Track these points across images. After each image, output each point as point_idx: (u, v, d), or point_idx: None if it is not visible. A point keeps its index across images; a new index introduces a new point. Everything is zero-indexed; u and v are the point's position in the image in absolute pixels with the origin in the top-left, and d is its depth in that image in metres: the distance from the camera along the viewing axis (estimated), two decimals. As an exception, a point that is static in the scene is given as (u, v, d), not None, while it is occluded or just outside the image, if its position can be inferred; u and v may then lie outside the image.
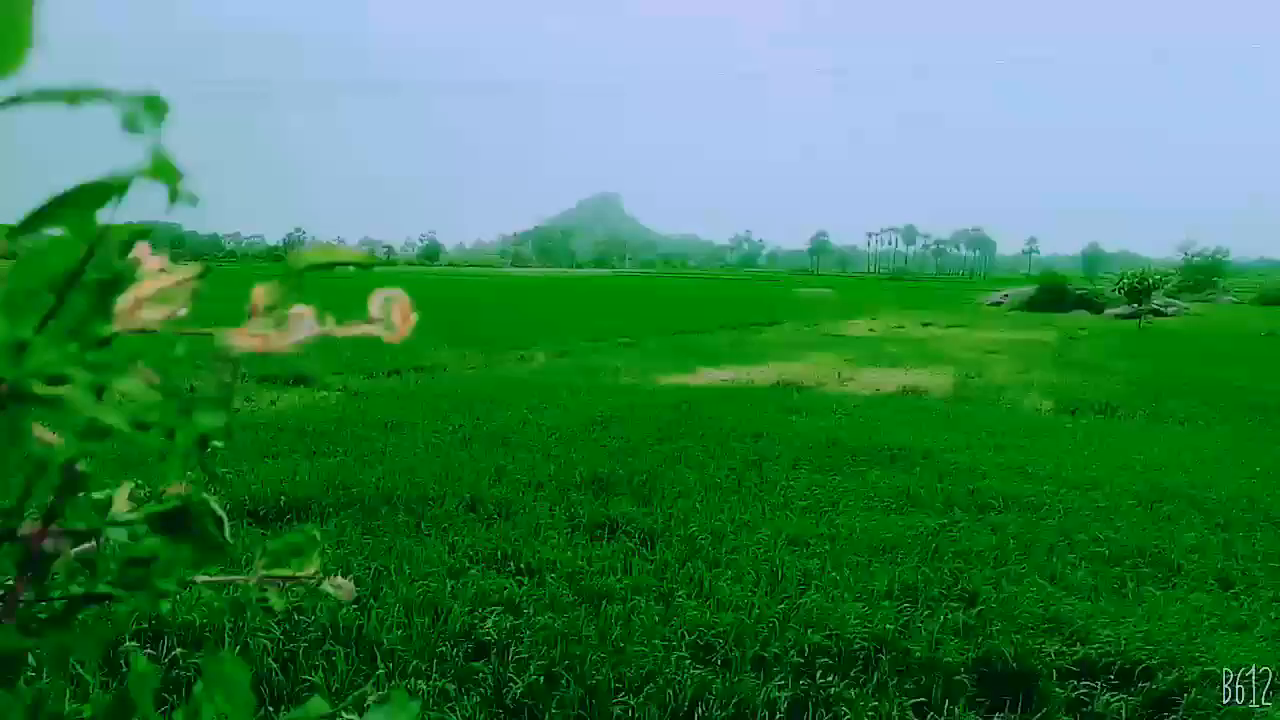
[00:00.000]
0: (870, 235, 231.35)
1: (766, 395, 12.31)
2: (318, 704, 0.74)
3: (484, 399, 10.87)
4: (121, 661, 3.66)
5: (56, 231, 0.50)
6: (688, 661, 4.11)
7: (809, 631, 4.40)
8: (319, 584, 0.72)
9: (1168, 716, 3.85)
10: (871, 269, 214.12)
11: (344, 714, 0.76)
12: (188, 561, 0.62)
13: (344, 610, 4.37)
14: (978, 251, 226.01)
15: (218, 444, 0.56)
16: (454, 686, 3.84)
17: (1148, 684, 4.03)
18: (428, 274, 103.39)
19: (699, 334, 24.25)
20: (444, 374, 13.85)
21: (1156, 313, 37.52)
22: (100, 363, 0.51)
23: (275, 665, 3.87)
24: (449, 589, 4.73)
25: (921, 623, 4.56)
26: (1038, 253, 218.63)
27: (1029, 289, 49.35)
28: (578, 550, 5.47)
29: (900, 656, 4.23)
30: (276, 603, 0.72)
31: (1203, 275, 79.43)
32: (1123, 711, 3.85)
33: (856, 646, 4.30)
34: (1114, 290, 40.81)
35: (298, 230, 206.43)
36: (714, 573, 5.16)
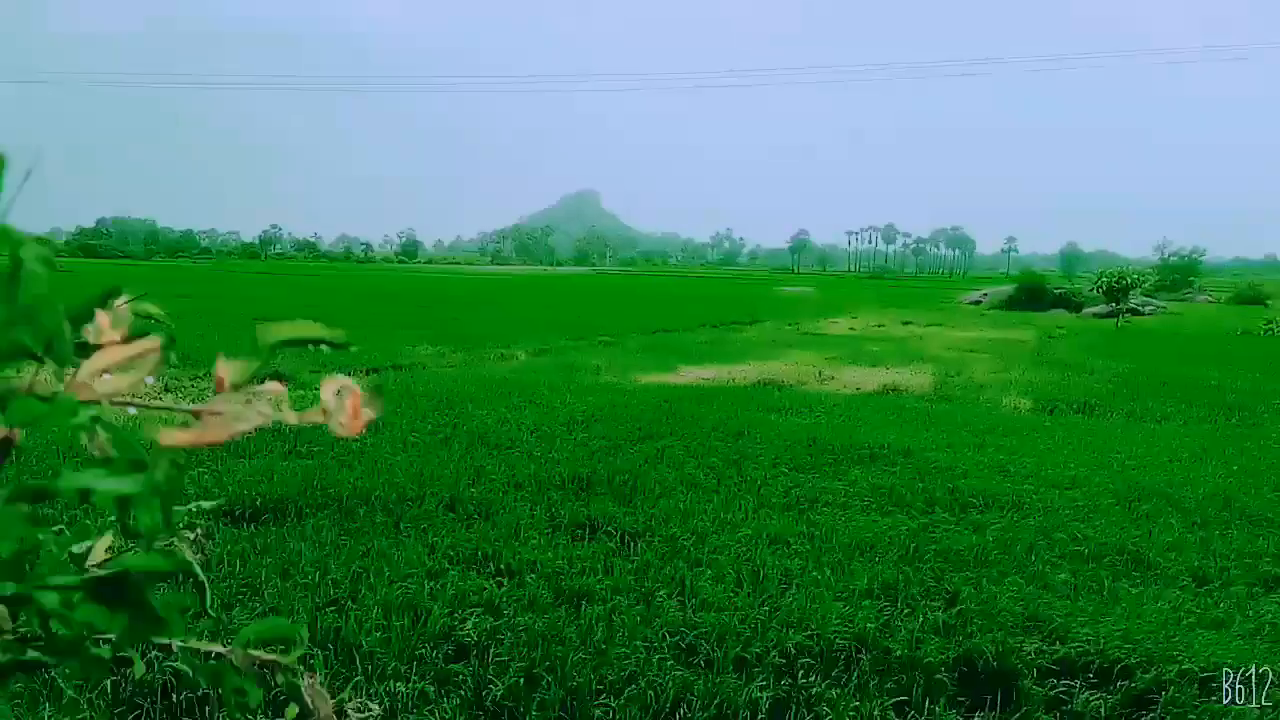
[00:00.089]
0: (850, 234, 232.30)
1: (747, 394, 12.31)
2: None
3: (463, 397, 10.80)
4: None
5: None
6: (669, 663, 4.09)
7: (790, 631, 4.39)
8: (298, 675, 0.72)
9: (1146, 715, 3.86)
10: (852, 268, 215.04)
11: None
12: (122, 633, 0.59)
13: (321, 611, 4.32)
14: (957, 250, 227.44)
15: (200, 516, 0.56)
16: (433, 688, 3.80)
17: (1126, 682, 4.05)
18: (407, 271, 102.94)
19: (680, 332, 24.25)
20: (423, 372, 13.76)
21: (1134, 312, 37.87)
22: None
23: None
24: (428, 590, 4.69)
25: (902, 622, 4.57)
26: (1016, 252, 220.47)
27: (1008, 288, 49.70)
28: (558, 550, 5.44)
29: (881, 656, 4.23)
30: (253, 695, 0.71)
31: (1179, 275, 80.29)
32: (1101, 710, 3.87)
33: (838, 646, 4.30)
34: (1092, 289, 41.18)
35: (274, 227, 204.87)
36: (695, 573, 5.15)
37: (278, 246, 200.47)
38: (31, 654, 0.59)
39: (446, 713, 3.66)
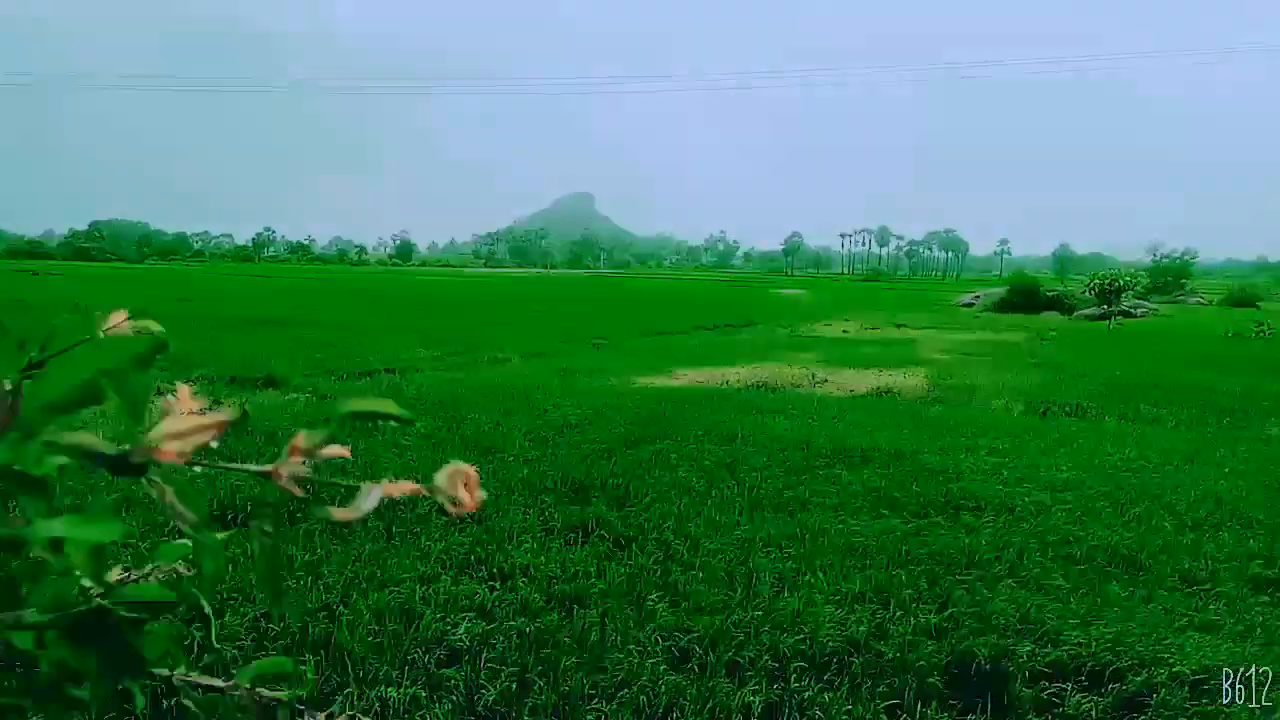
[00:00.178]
0: (844, 236, 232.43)
1: (741, 397, 12.32)
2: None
3: (456, 401, 10.79)
4: None
5: None
6: (663, 667, 4.09)
7: (783, 635, 4.39)
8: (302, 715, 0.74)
9: (1137, 718, 3.87)
10: (845, 270, 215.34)
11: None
12: (94, 674, 0.59)
13: (313, 617, 4.31)
14: (950, 253, 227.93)
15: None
16: (425, 693, 3.80)
17: (1118, 685, 4.06)
18: (400, 274, 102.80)
19: (674, 335, 24.26)
20: (416, 375, 13.74)
21: (1126, 314, 38.00)
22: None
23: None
24: (420, 595, 4.68)
25: (894, 625, 4.57)
26: (1009, 254, 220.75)
27: (1000, 290, 49.77)
28: (551, 554, 5.43)
29: (873, 659, 4.24)
30: None
31: (1171, 277, 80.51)
32: (1093, 712, 3.87)
33: (830, 649, 4.30)
34: (1084, 291, 41.32)
35: (267, 230, 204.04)
36: (689, 576, 5.15)
37: (271, 249, 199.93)
38: (2, 699, 0.58)
39: (438, 718, 3.65)
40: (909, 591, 5.00)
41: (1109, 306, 36.56)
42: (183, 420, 0.62)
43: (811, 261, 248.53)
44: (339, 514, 0.63)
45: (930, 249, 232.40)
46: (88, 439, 0.57)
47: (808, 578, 5.17)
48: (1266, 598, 5.17)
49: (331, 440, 0.63)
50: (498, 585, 4.95)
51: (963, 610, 4.76)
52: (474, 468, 0.66)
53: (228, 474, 6.66)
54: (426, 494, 0.65)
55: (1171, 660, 4.22)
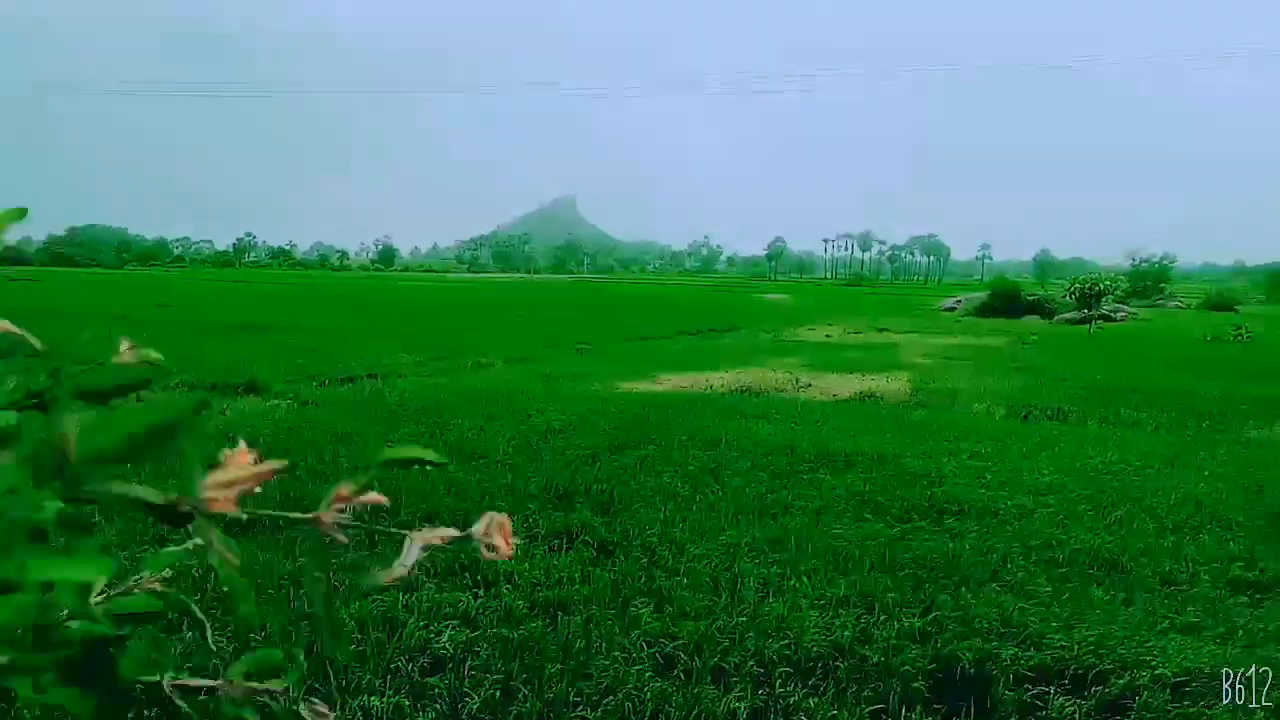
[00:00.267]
0: (827, 241, 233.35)
1: (725, 402, 12.33)
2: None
3: (439, 407, 10.75)
4: None
5: None
6: (648, 673, 4.08)
7: (768, 640, 4.39)
8: (296, 705, 0.76)
9: (1118, 719, 3.89)
10: (828, 275, 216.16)
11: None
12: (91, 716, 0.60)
13: (295, 625, 4.27)
14: (932, 258, 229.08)
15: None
16: (409, 702, 3.77)
17: (1100, 688, 4.08)
18: (382, 279, 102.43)
19: (658, 340, 24.27)
20: (398, 381, 13.68)
21: (1106, 318, 38.30)
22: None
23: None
24: (403, 603, 4.65)
25: (879, 629, 4.58)
26: (991, 259, 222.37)
27: (982, 295, 50.06)
28: (535, 561, 5.41)
29: (858, 664, 4.24)
30: None
31: (1150, 281, 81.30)
32: (1076, 716, 3.89)
33: (815, 654, 4.30)
34: (1065, 296, 41.64)
35: (248, 235, 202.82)
36: (673, 582, 5.14)
37: (252, 254, 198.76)
38: None
39: (422, 727, 3.62)
40: (893, 596, 5.01)
41: (1089, 311, 36.82)
42: (231, 470, 0.64)
43: (795, 266, 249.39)
44: (388, 578, 0.67)
45: (912, 254, 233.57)
46: (135, 489, 0.59)
47: (792, 583, 5.17)
48: (1246, 599, 5.21)
49: (370, 488, 0.66)
50: (481, 592, 4.93)
51: (946, 614, 4.77)
52: (508, 517, 0.69)
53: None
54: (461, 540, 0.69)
55: (1153, 663, 4.25)
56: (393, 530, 0.71)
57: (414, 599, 4.70)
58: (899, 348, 23.38)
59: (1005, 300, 45.62)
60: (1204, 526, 6.57)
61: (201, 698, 0.77)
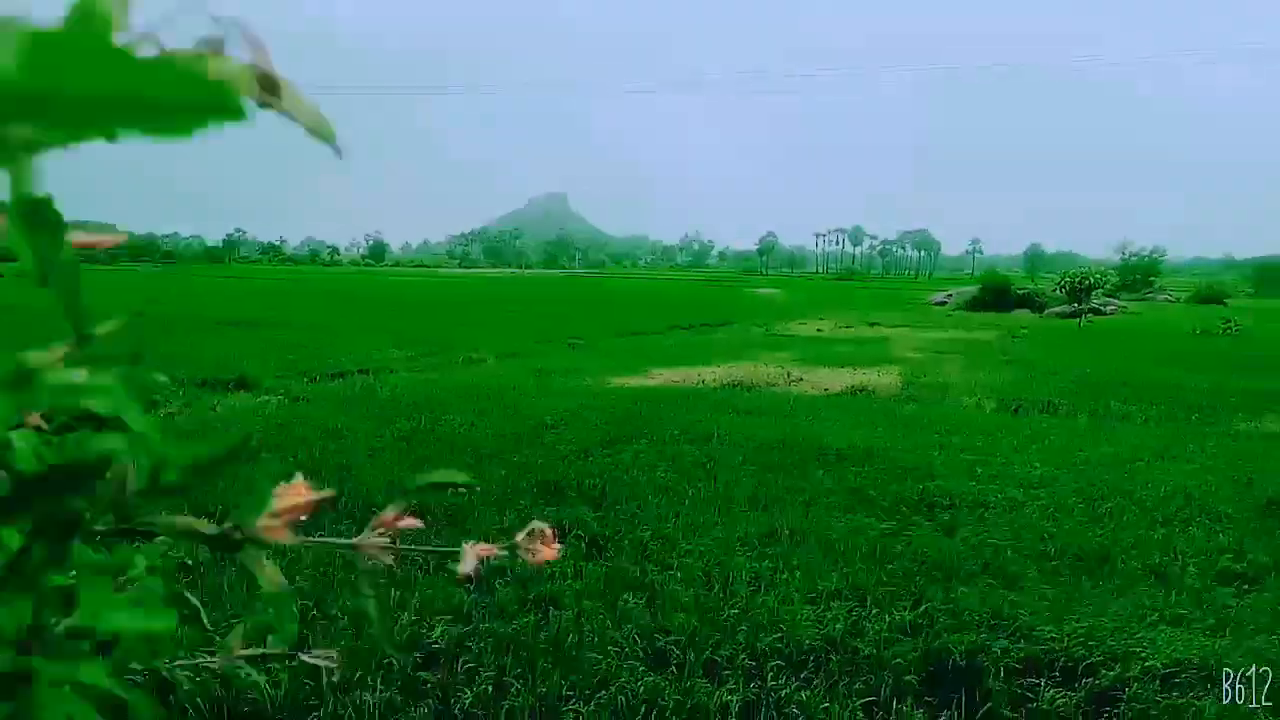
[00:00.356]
0: (818, 236, 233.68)
1: (717, 396, 12.34)
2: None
3: (431, 402, 10.73)
4: None
5: None
6: (641, 668, 4.09)
7: (760, 633, 4.40)
8: (296, 659, 0.80)
9: (1109, 712, 3.91)
10: (820, 269, 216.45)
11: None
12: None
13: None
14: (923, 252, 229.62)
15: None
16: (400, 697, 3.77)
17: (1091, 680, 4.10)
18: (373, 274, 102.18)
19: (650, 334, 24.26)
20: (390, 376, 13.65)
21: (1096, 312, 38.40)
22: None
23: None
24: (395, 598, 4.64)
25: (870, 622, 4.59)
26: (981, 253, 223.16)
27: (972, 289, 50.15)
28: (527, 556, 5.40)
29: (850, 657, 4.25)
30: (257, 677, 0.76)
31: (1140, 275, 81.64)
32: (1066, 707, 3.91)
33: (807, 647, 4.31)
34: (1055, 290, 41.73)
35: (238, 231, 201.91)
36: (666, 576, 5.15)
37: (242, 250, 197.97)
38: None
39: (415, 722, 3.63)
40: (885, 589, 5.03)
41: (1079, 304, 36.92)
42: (285, 500, 0.67)
43: (786, 261, 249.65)
44: (462, 570, 0.75)
45: (903, 248, 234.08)
46: (187, 521, 0.62)
47: (784, 576, 5.18)
48: (1235, 591, 5.24)
49: (409, 512, 0.73)
50: (473, 588, 4.92)
51: (937, 607, 4.79)
52: (551, 526, 0.76)
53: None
54: (506, 554, 0.76)
55: (1143, 654, 4.27)
56: (437, 549, 0.80)
57: (406, 594, 4.69)
58: (890, 342, 23.43)
59: (996, 294, 45.72)
60: (1193, 519, 6.61)
61: (203, 673, 0.79)
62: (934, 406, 12.07)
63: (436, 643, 4.22)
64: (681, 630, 4.41)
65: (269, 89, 0.43)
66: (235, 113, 0.35)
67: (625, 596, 4.83)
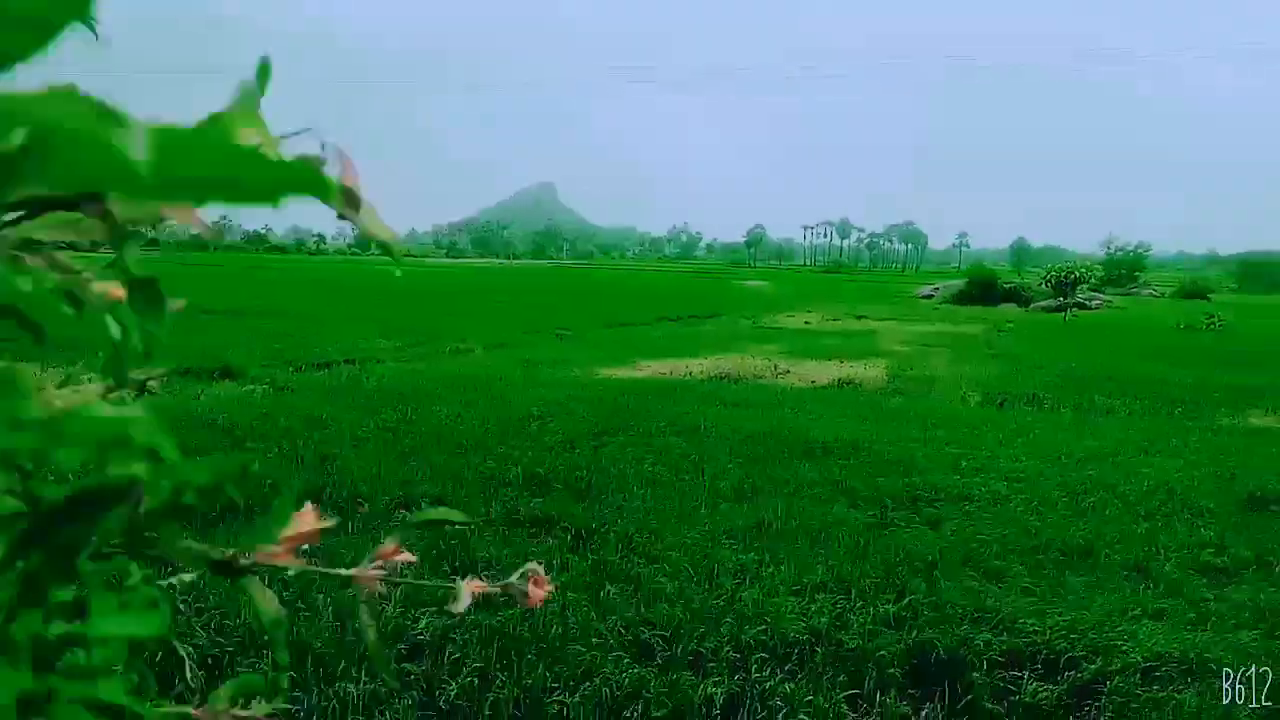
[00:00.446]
0: (806, 228, 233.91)
1: (704, 388, 12.35)
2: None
3: (417, 392, 10.69)
4: None
5: None
6: (625, 660, 4.09)
7: (745, 626, 4.41)
8: None
9: (1091, 705, 3.93)
10: (808, 262, 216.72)
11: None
12: None
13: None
14: (910, 245, 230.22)
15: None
16: (385, 689, 3.75)
17: (1073, 673, 4.13)
18: (360, 263, 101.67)
19: (638, 326, 24.25)
20: (376, 366, 13.60)
21: (1081, 306, 38.66)
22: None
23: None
24: (380, 590, 4.62)
25: (855, 615, 4.61)
26: (968, 246, 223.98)
27: (959, 283, 50.35)
28: (514, 547, 5.40)
29: (834, 649, 4.26)
30: None
31: (1125, 269, 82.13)
32: (1048, 700, 3.93)
33: (792, 639, 4.32)
34: (1041, 284, 41.99)
35: (223, 218, 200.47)
36: (651, 569, 5.15)
37: (227, 237, 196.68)
38: None
39: (399, 713, 3.62)
40: (869, 581, 5.04)
41: (1065, 299, 37.17)
42: (294, 526, 0.68)
43: (774, 253, 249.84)
44: (454, 607, 0.74)
45: (890, 241, 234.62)
46: (195, 545, 0.62)
47: (769, 569, 5.19)
48: (1216, 585, 5.28)
49: (408, 545, 0.73)
50: (459, 579, 4.91)
51: (921, 600, 4.81)
52: (542, 568, 0.77)
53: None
54: (500, 592, 0.77)
55: (1124, 648, 4.30)
56: (434, 583, 0.79)
57: (391, 587, 4.66)
58: (877, 335, 23.49)
59: (982, 288, 45.89)
60: (1176, 514, 6.65)
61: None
62: (920, 400, 12.11)
63: (422, 634, 4.20)
64: (666, 622, 4.41)
65: (351, 204, 0.50)
66: (319, 188, 0.44)
67: (610, 588, 4.83)
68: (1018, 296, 43.99)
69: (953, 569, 5.29)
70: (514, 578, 0.76)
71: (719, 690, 3.85)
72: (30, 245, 0.50)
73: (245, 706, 0.78)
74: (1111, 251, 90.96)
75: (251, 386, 11.24)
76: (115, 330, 0.54)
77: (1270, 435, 10.19)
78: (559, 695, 3.80)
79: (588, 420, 9.22)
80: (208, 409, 9.35)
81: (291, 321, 20.03)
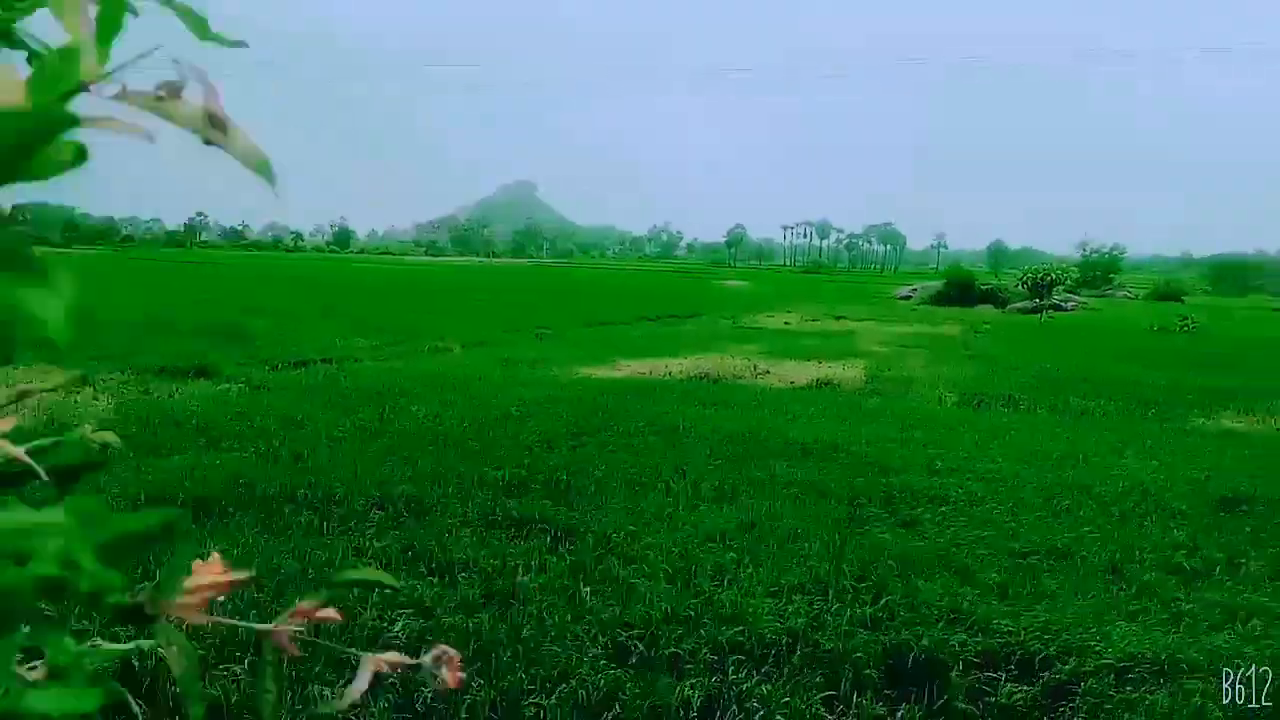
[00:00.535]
0: (786, 229, 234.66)
1: (684, 388, 12.35)
2: None
3: (395, 391, 10.63)
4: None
5: None
6: (602, 661, 4.08)
7: (723, 627, 4.41)
8: None
9: (1065, 705, 3.96)
10: (787, 262, 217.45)
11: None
12: None
13: (244, 616, 4.20)
14: (889, 246, 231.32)
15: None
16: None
17: (1047, 673, 4.15)
18: (338, 261, 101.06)
19: (618, 325, 24.23)
20: (353, 365, 13.51)
21: (1057, 307, 38.98)
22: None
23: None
24: (356, 592, 4.59)
25: (832, 616, 4.62)
26: (946, 248, 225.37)
27: (937, 284, 50.66)
28: (491, 549, 5.38)
29: (811, 650, 4.27)
30: None
31: (1100, 271, 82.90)
32: (1023, 701, 3.96)
33: (769, 641, 4.32)
34: (1017, 285, 42.32)
35: (199, 215, 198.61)
36: (629, 570, 5.14)
37: (203, 234, 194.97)
38: None
39: (375, 716, 3.59)
40: (846, 582, 5.05)
41: (1041, 300, 37.47)
42: (202, 577, 0.67)
43: (754, 253, 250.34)
44: (340, 703, 0.73)
45: (869, 242, 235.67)
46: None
47: (748, 570, 5.19)
48: (1189, 586, 5.33)
49: (328, 604, 0.71)
50: (436, 581, 4.89)
51: (898, 601, 4.82)
52: (457, 654, 0.76)
53: (154, 469, 6.44)
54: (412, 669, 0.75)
55: (1098, 648, 4.33)
56: (348, 650, 0.77)
57: (366, 589, 4.64)
58: (856, 335, 23.59)
59: (960, 289, 46.16)
60: (1149, 514, 6.71)
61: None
62: (898, 400, 12.17)
63: (397, 637, 4.18)
64: (644, 624, 4.40)
65: (218, 127, 0.49)
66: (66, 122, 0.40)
67: (588, 590, 4.81)
68: (995, 298, 44.30)
69: (929, 570, 5.31)
70: (427, 657, 0.75)
71: (696, 692, 3.84)
72: None
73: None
74: (1087, 253, 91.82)
75: (227, 385, 11.14)
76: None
77: (1242, 437, 10.32)
78: (536, 698, 3.79)
79: (567, 420, 9.20)
80: (181, 408, 9.26)
81: (268, 319, 19.86)
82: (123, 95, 0.49)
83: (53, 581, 0.49)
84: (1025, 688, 4.04)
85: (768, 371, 14.87)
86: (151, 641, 0.72)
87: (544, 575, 5.01)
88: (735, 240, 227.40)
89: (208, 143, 0.49)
